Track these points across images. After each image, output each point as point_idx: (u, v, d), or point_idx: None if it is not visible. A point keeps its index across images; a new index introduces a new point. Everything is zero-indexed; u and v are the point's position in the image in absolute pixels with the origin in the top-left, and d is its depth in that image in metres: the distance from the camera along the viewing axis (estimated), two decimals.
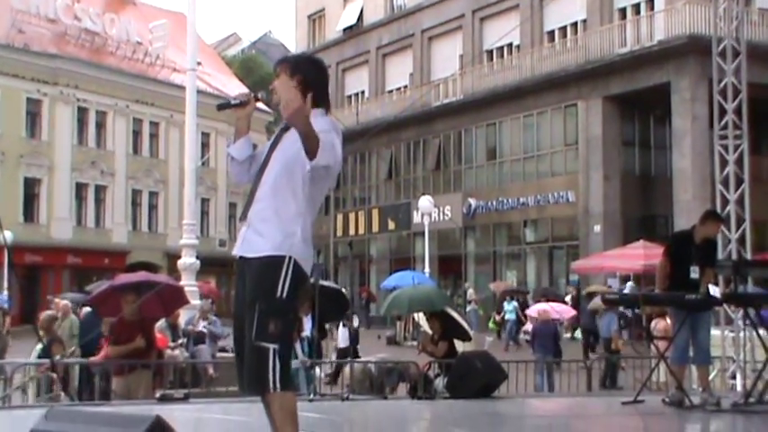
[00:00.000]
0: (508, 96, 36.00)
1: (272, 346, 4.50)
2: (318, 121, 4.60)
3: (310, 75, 4.89)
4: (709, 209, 11.28)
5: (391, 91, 44.47)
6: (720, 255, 13.09)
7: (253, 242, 4.70)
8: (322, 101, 4.81)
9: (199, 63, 20.32)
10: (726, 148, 14.33)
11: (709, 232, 10.17)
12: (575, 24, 35.17)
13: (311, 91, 4.67)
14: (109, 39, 49.10)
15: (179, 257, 17.11)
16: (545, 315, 19.07)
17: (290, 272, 4.60)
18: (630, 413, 9.46)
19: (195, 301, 16.02)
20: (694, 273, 9.84)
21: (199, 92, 19.55)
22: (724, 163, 14.37)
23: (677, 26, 30.02)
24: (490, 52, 38.58)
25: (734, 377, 13.15)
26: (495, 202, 37.26)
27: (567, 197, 34.16)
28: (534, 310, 21.50)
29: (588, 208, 33.20)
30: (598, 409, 10.66)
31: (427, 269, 33.39)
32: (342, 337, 19.94)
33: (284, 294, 4.58)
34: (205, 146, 50.88)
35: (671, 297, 10.15)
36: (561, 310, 23.76)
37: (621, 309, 19.87)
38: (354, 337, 20.14)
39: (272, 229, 4.65)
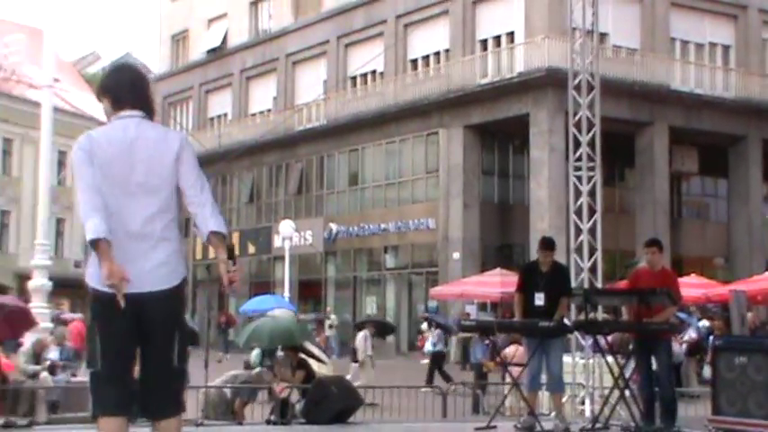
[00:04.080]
0: (371, 123, 36.24)
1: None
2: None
3: (105, 84, 4.93)
4: (542, 237, 11.53)
5: (254, 114, 44.19)
6: (573, 283, 13.41)
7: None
8: (126, 102, 4.80)
9: (56, 79, 19.70)
10: (580, 179, 14.70)
11: (541, 260, 10.46)
12: (437, 54, 35.67)
13: (109, 97, 4.79)
14: None
15: (30, 278, 16.51)
16: None
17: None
18: None
19: (46, 324, 15.45)
20: (539, 300, 10.09)
21: (56, 109, 18.97)
22: (578, 193, 14.74)
23: (536, 59, 30.78)
24: (354, 78, 38.79)
25: (583, 402, 13.44)
26: (356, 228, 37.37)
27: (428, 224, 34.51)
28: None
29: (448, 235, 33.60)
30: None
31: (287, 293, 33.19)
32: None
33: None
34: (61, 164, 49.42)
35: (524, 324, 10.34)
36: None
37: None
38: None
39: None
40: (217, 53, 46.14)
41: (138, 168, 4.65)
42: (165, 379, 4.69)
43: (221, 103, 46.00)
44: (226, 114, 45.96)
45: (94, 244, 4.46)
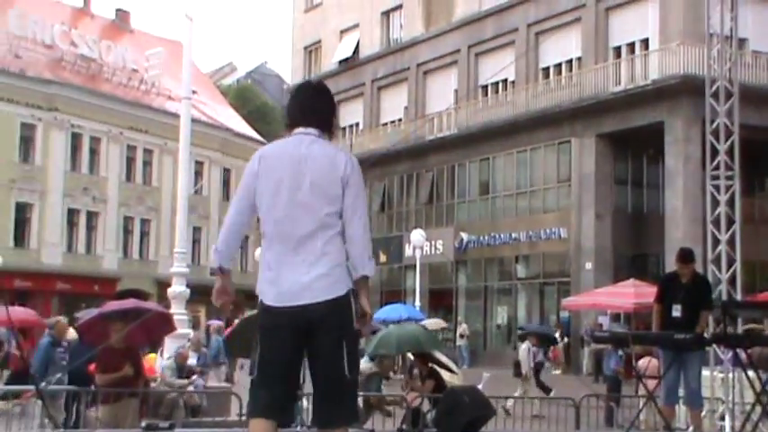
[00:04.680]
0: (502, 132, 36.12)
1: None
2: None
3: (286, 105, 5.32)
4: (680, 248, 11.30)
5: (386, 124, 44.58)
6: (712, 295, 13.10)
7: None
8: (299, 121, 5.12)
9: (194, 91, 20.36)
10: (717, 188, 14.34)
11: (680, 271, 10.26)
12: (569, 62, 35.34)
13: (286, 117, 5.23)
14: (105, 65, 49.30)
15: (169, 285, 17.04)
16: None
17: None
18: None
19: (184, 330, 15.94)
20: (676, 311, 9.89)
21: (193, 120, 19.55)
22: (715, 203, 14.38)
23: (671, 66, 30.18)
24: (485, 87, 38.75)
25: (723, 418, 13.09)
26: (486, 237, 37.28)
27: (559, 233, 34.19)
28: None
29: (580, 245, 33.21)
30: None
31: (418, 302, 33.33)
32: None
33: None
34: (198, 174, 50.99)
35: (660, 336, 10.15)
36: None
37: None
38: None
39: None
40: (349, 63, 46.76)
41: (304, 185, 4.85)
42: (334, 390, 4.80)
43: (353, 113, 46.55)
44: (357, 124, 46.52)
45: (213, 271, 5.02)
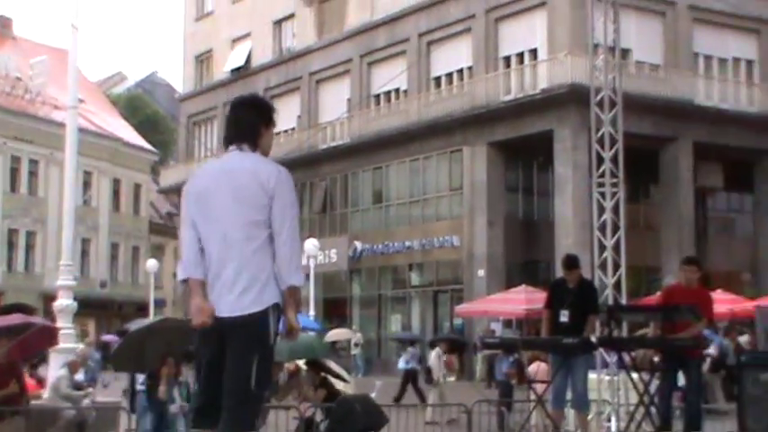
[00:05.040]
0: (395, 140, 36.29)
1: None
2: None
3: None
4: (565, 255, 11.53)
5: (278, 133, 44.27)
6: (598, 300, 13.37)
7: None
8: (230, 138, 5.24)
9: (81, 100, 19.92)
10: (603, 195, 14.68)
11: (566, 278, 10.46)
12: (461, 71, 35.72)
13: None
14: None
15: (55, 299, 16.60)
16: None
17: None
18: None
19: (68, 345, 15.51)
20: (564, 317, 10.08)
21: (80, 130, 19.18)
22: (601, 210, 14.72)
23: (560, 76, 30.75)
24: (377, 96, 38.91)
25: (609, 420, 13.37)
26: (380, 246, 37.39)
27: (452, 241, 34.50)
28: None
29: (472, 252, 33.56)
30: None
31: (312, 312, 33.20)
32: None
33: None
34: (87, 184, 49.89)
35: (548, 341, 10.32)
36: None
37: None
38: None
39: None
40: (241, 73, 46.40)
41: (230, 198, 4.94)
42: (235, 401, 4.82)
43: None
44: None
45: (184, 283, 5.04)
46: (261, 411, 5.08)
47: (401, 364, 24.20)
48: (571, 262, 10.71)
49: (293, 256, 4.92)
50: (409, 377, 22.96)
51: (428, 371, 21.02)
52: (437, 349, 21.11)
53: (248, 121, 5.19)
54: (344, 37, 40.48)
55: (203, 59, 50.07)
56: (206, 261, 4.96)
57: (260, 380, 4.84)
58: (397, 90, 37.66)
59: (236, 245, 4.87)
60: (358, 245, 38.09)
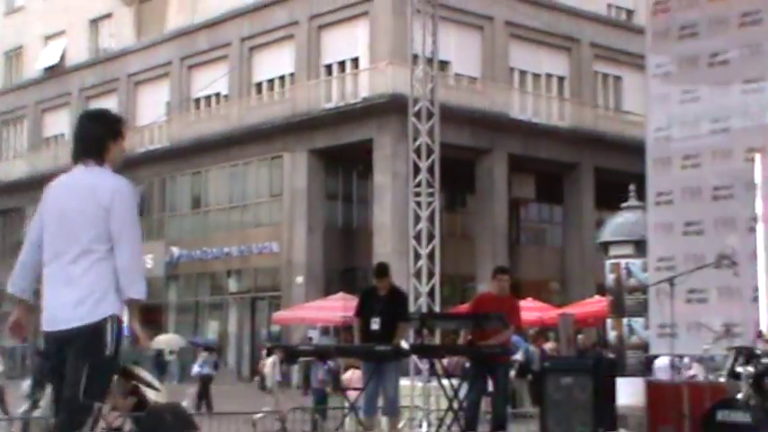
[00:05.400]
0: (214, 145, 35.86)
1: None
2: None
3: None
4: (377, 263, 11.76)
5: None
6: (412, 307, 13.59)
7: None
8: (76, 155, 5.28)
9: None
10: (419, 204, 14.92)
11: (377, 285, 10.63)
12: (282, 77, 35.65)
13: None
14: None
15: None
16: None
17: None
18: None
19: None
20: (375, 324, 10.21)
21: None
22: (417, 219, 14.95)
23: (380, 85, 31.11)
24: (197, 100, 38.38)
25: (420, 425, 13.58)
26: (198, 252, 36.85)
27: (271, 248, 34.34)
28: None
29: (291, 259, 33.51)
30: None
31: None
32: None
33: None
34: None
35: (361, 349, 10.41)
36: None
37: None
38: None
39: None
40: (54, 71, 44.84)
41: (68, 213, 5.03)
42: (66, 411, 4.89)
43: (58, 123, 44.56)
44: (63, 135, 44.58)
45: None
46: (91, 422, 4.93)
47: (195, 370, 24.04)
48: (381, 270, 10.89)
49: (132, 269, 5.04)
50: (204, 382, 22.78)
51: (262, 378, 20.90)
52: (274, 357, 20.95)
53: (94, 136, 5.22)
54: (164, 39, 39.75)
55: (13, 56, 48.16)
56: (43, 274, 5.07)
57: (90, 390, 4.86)
58: (217, 94, 37.26)
59: (73, 259, 4.96)
60: (175, 251, 37.42)
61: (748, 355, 8.21)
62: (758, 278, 10.06)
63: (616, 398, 9.79)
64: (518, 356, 20.48)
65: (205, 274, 37.61)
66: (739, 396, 7.99)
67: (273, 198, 34.95)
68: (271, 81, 36.14)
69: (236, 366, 35.49)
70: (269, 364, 20.78)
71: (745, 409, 7.85)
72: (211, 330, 37.33)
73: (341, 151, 33.31)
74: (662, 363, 10.83)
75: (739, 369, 8.12)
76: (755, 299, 10.11)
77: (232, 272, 36.74)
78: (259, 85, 36.51)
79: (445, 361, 12.62)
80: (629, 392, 10.52)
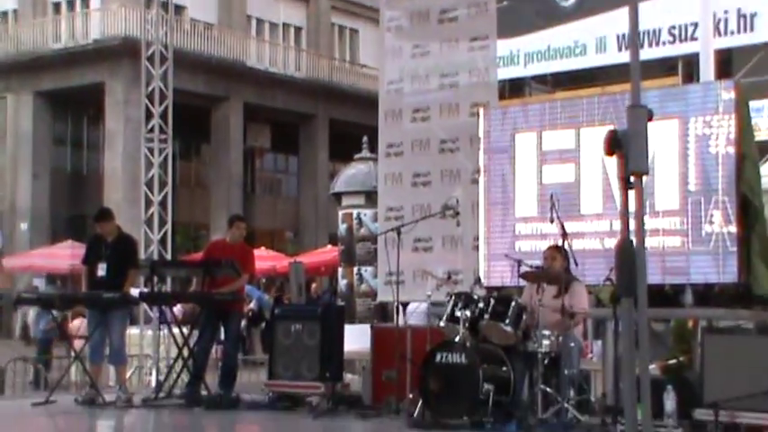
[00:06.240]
0: None
1: None
2: None
3: None
4: (99, 209, 11.56)
5: None
6: (143, 255, 13.39)
7: None
8: None
9: None
10: (152, 151, 14.71)
11: (102, 231, 10.41)
12: (5, 14, 33.76)
13: None
14: None
15: None
16: None
17: None
18: (40, 414, 9.40)
19: None
20: (102, 270, 10.07)
21: None
22: (150, 166, 14.74)
23: (112, 27, 30.10)
24: None
25: (150, 373, 13.48)
26: None
27: None
28: None
29: (15, 205, 32.08)
30: (6, 411, 10.28)
31: None
32: None
33: None
34: None
35: (87, 296, 10.23)
36: None
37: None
38: None
39: None
40: None
41: None
42: None
43: None
44: None
45: None
46: None
47: None
48: (101, 214, 10.70)
49: None
50: None
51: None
52: None
53: None
54: None
55: None
56: None
57: None
58: None
59: None
60: None
61: (467, 300, 8.66)
62: (478, 228, 10.63)
63: (344, 344, 10.05)
64: (252, 305, 20.65)
65: None
66: (457, 339, 8.42)
67: None
68: None
69: None
70: None
71: (461, 351, 8.29)
72: None
73: (70, 94, 32.00)
74: (414, 307, 11.20)
75: (458, 313, 8.55)
76: (476, 247, 10.69)
77: None
78: None
79: (177, 309, 12.56)
80: (357, 338, 10.83)
